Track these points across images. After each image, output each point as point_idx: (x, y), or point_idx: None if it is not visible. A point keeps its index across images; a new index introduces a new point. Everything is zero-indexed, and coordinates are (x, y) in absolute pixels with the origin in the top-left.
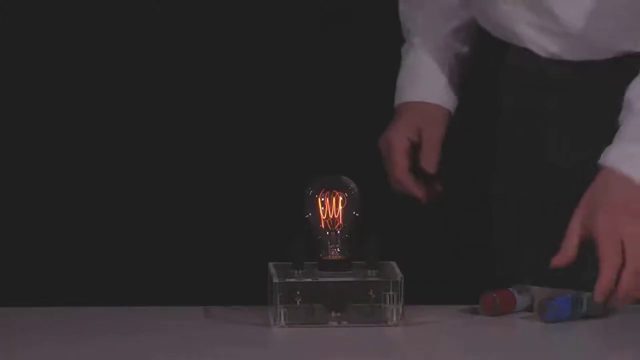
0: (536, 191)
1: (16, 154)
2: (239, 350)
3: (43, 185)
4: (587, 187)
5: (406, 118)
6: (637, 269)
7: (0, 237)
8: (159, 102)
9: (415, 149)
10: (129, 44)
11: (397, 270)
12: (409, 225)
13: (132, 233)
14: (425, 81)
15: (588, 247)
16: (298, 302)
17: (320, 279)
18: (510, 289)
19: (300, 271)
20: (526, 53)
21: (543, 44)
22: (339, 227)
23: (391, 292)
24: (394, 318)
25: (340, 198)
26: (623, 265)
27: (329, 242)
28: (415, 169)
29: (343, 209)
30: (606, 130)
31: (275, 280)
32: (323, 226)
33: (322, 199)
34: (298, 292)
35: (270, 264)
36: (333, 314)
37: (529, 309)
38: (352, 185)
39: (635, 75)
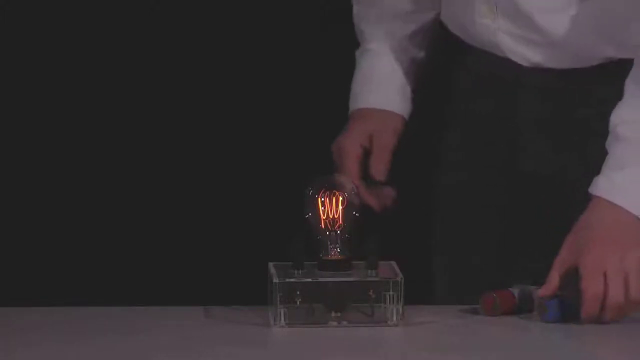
0: (515, 197)
1: (16, 154)
2: (239, 350)
3: (43, 185)
4: (567, 191)
5: (359, 125)
6: (617, 303)
7: (0, 237)
8: (160, 103)
9: (367, 156)
10: (129, 45)
11: (397, 270)
12: (409, 225)
13: (132, 233)
14: (380, 87)
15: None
16: (298, 302)
17: (320, 279)
18: (510, 289)
19: (300, 271)
20: (505, 62)
21: (525, 54)
22: (339, 227)
23: (391, 292)
24: (394, 318)
25: (340, 198)
26: (605, 296)
27: (329, 242)
28: (367, 176)
29: (343, 209)
30: (586, 135)
31: (275, 280)
32: (323, 226)
33: (322, 199)
34: (298, 292)
35: (270, 264)
36: (333, 314)
37: (529, 309)
38: (352, 185)
39: (616, 78)
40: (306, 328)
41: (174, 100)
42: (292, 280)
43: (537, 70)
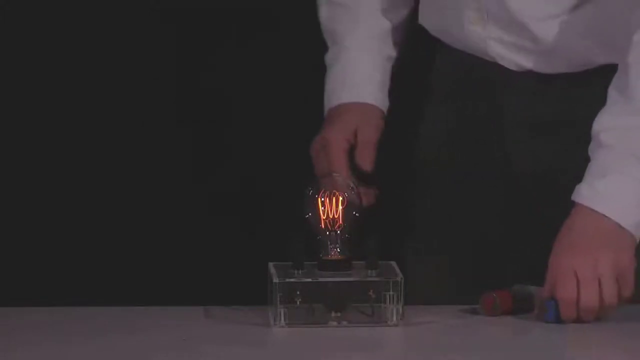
0: (509, 198)
1: (16, 154)
2: (239, 350)
3: (43, 185)
4: (560, 191)
5: (343, 119)
6: (590, 307)
7: (0, 237)
8: (159, 102)
9: (351, 151)
10: (129, 45)
11: (397, 270)
12: (409, 226)
13: (132, 233)
14: (361, 82)
15: None
16: (298, 302)
17: (320, 279)
18: (510, 289)
19: (300, 271)
20: (490, 65)
21: (516, 60)
22: (339, 227)
23: (391, 292)
24: (394, 318)
25: (340, 198)
26: (578, 300)
27: (329, 242)
28: (353, 171)
29: (343, 209)
30: (575, 136)
31: (275, 280)
32: (323, 226)
33: (322, 199)
34: (298, 292)
35: (270, 264)
36: (333, 314)
37: (529, 309)
38: (352, 185)
39: (605, 79)
40: (306, 328)
41: (174, 100)
42: (292, 280)
43: (526, 74)
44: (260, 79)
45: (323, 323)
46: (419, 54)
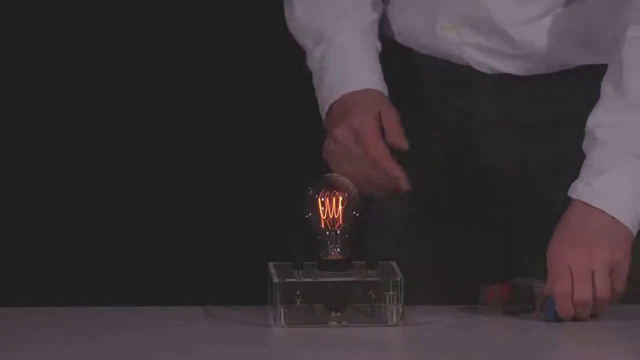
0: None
1: (16, 154)
2: (239, 350)
3: (43, 185)
4: (539, 187)
5: (363, 105)
6: (584, 301)
7: (0, 237)
8: (160, 102)
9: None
10: (129, 45)
11: (397, 270)
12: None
13: (132, 233)
14: (363, 71)
15: None
16: (298, 302)
17: (320, 279)
18: (511, 282)
19: (300, 271)
20: (467, 70)
21: (492, 65)
22: (339, 227)
23: (391, 292)
24: (394, 318)
25: (340, 198)
26: (572, 295)
27: (329, 242)
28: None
29: (343, 209)
30: (552, 135)
31: (275, 280)
32: (323, 226)
33: (322, 199)
34: (298, 292)
35: (270, 264)
36: (333, 314)
37: (530, 302)
38: (352, 185)
39: (584, 77)
40: (306, 328)
41: (174, 100)
42: (292, 280)
43: (499, 76)
44: (260, 78)
45: (323, 323)
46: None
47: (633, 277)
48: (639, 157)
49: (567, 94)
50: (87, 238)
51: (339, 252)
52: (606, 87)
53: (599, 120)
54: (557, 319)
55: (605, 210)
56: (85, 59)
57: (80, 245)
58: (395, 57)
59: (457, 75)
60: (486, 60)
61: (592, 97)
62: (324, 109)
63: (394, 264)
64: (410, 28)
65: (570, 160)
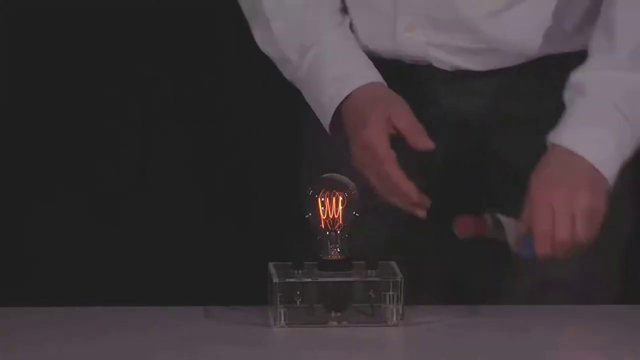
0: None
1: (16, 154)
2: (239, 350)
3: (43, 185)
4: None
5: (376, 111)
6: (564, 242)
7: (0, 237)
8: (160, 102)
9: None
10: (130, 45)
11: (397, 270)
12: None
13: (132, 233)
14: (366, 63)
15: None
16: (298, 302)
17: (320, 279)
18: (484, 215)
19: (300, 271)
20: (427, 69)
21: (455, 63)
22: (339, 227)
23: (391, 292)
24: (394, 318)
25: (340, 198)
26: (553, 235)
27: (329, 242)
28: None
29: (343, 209)
30: (511, 129)
31: (275, 280)
32: (323, 226)
33: (322, 199)
34: (298, 292)
35: (270, 264)
36: (333, 314)
37: (502, 236)
38: (352, 185)
39: (547, 70)
40: (306, 328)
41: (174, 99)
42: (292, 280)
43: (461, 72)
44: (260, 78)
45: (323, 323)
46: None
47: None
48: (624, 113)
49: (535, 88)
50: (87, 238)
51: (339, 252)
52: (597, 43)
53: (588, 74)
54: (533, 257)
55: (589, 159)
56: (85, 58)
57: (80, 245)
58: None
59: (418, 75)
60: (449, 58)
61: (557, 91)
62: (330, 109)
63: (394, 264)
64: (368, 32)
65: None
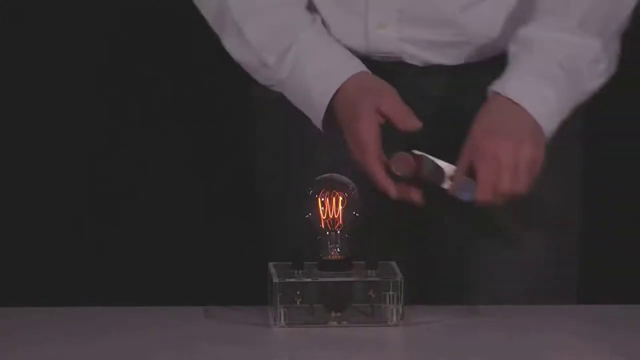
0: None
1: (16, 154)
2: (239, 350)
3: (43, 185)
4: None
5: (367, 101)
6: (504, 191)
7: (0, 237)
8: (160, 102)
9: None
10: (131, 45)
11: (397, 270)
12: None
13: (132, 233)
14: (346, 56)
15: None
16: (298, 302)
17: (320, 279)
18: (425, 156)
19: (300, 271)
20: (396, 66)
21: (427, 58)
22: (339, 227)
23: (391, 292)
24: (394, 318)
25: (340, 198)
26: (497, 183)
27: (329, 242)
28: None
29: (343, 209)
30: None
31: (275, 280)
32: (323, 226)
33: (322, 199)
34: (298, 292)
35: (270, 264)
36: (333, 314)
37: (438, 179)
38: (352, 185)
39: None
40: (306, 328)
41: (174, 99)
42: (292, 280)
43: (431, 67)
44: None
45: (323, 323)
46: None
47: None
48: (568, 74)
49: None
50: (87, 238)
51: (339, 252)
52: (550, 5)
53: (538, 32)
54: (472, 201)
55: (531, 112)
56: (85, 58)
57: (80, 245)
58: None
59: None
60: (422, 53)
61: None
62: (322, 106)
63: (394, 264)
64: (340, 29)
65: None
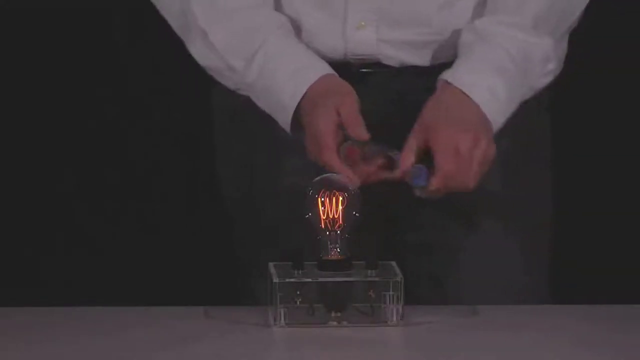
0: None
1: (16, 154)
2: (239, 350)
3: (43, 185)
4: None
5: (327, 103)
6: (461, 184)
7: (0, 237)
8: (159, 102)
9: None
10: (131, 44)
11: (397, 270)
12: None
13: (132, 233)
14: (313, 58)
15: None
16: (298, 302)
17: (320, 279)
18: (367, 143)
19: (300, 271)
20: (373, 67)
21: (402, 59)
22: (339, 227)
23: (391, 292)
24: (394, 318)
25: (340, 198)
26: (454, 174)
27: (329, 242)
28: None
29: (343, 209)
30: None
31: (275, 280)
32: (323, 226)
33: (322, 199)
34: (298, 292)
35: (270, 264)
36: (333, 314)
37: (386, 165)
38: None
39: None
40: (306, 328)
41: (174, 98)
42: (292, 280)
43: (407, 69)
44: None
45: (323, 323)
46: None
47: None
48: (520, 69)
49: None
50: (86, 238)
51: (339, 252)
52: (506, 1)
53: (494, 26)
54: (423, 188)
55: (482, 108)
56: (85, 58)
57: (80, 245)
58: None
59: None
60: (399, 54)
61: None
62: (291, 107)
63: (394, 264)
64: (317, 31)
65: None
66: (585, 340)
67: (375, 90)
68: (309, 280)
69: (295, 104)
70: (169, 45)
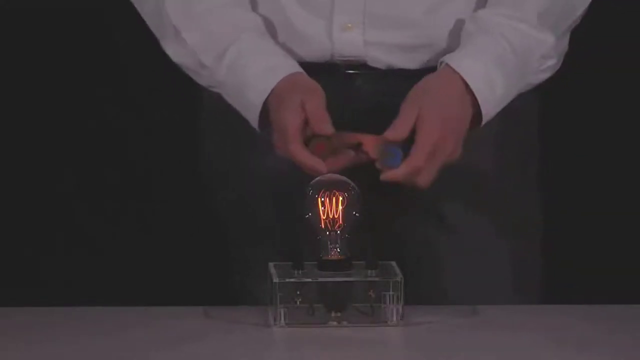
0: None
1: (16, 154)
2: (239, 350)
3: (43, 185)
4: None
5: (292, 99)
6: (439, 163)
7: (0, 237)
8: (160, 100)
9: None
10: (131, 44)
11: (397, 270)
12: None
13: (132, 233)
14: (283, 56)
15: None
16: (298, 302)
17: (320, 279)
18: (334, 134)
19: (300, 271)
20: (359, 69)
21: (390, 62)
22: (339, 227)
23: (391, 292)
24: (394, 318)
25: (340, 198)
26: (421, 169)
27: (329, 242)
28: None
29: (343, 209)
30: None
31: (275, 280)
32: (323, 226)
33: (322, 199)
34: (298, 292)
35: (270, 264)
36: (333, 314)
37: (357, 150)
38: (352, 185)
39: None
40: (306, 328)
41: (173, 98)
42: (292, 280)
43: (393, 71)
44: None
45: (323, 323)
46: None
47: None
48: (519, 62)
49: None
50: (87, 238)
51: (339, 252)
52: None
53: (497, 17)
54: (396, 167)
55: (479, 102)
56: (85, 58)
57: (79, 246)
58: None
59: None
60: (386, 56)
61: None
62: (258, 104)
63: (394, 264)
64: (304, 32)
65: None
66: (585, 340)
67: (361, 92)
68: (309, 280)
69: (262, 100)
70: None
